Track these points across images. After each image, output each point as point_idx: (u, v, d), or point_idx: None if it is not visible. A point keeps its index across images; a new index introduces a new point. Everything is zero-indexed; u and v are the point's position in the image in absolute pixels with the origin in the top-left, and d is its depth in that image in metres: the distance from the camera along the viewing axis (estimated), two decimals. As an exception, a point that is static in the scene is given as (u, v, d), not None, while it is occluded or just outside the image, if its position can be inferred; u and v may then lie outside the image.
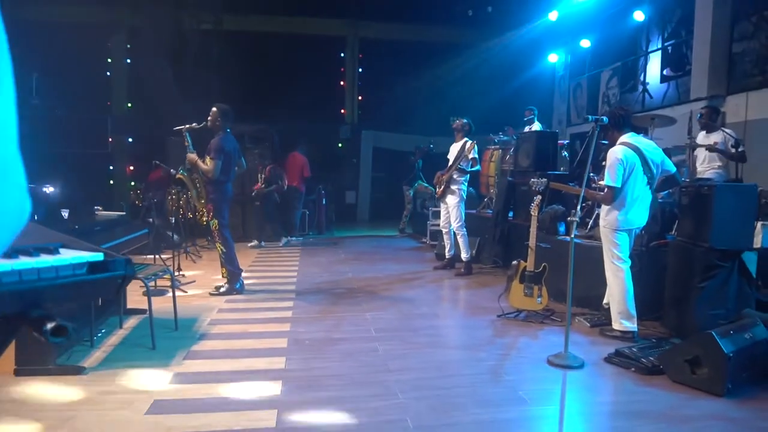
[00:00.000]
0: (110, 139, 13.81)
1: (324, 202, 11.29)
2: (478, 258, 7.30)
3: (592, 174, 5.78)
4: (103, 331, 4.00)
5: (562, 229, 5.53)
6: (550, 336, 4.10)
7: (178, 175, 5.38)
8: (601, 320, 4.35)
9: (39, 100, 11.48)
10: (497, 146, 8.56)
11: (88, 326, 3.71)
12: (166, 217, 9.69)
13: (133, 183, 13.45)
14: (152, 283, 5.06)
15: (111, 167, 13.73)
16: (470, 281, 6.27)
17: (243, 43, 12.93)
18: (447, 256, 6.95)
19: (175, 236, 6.60)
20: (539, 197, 4.69)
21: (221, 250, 5.26)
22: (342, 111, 14.74)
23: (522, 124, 8.60)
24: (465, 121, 6.71)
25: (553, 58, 11.99)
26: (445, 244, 6.97)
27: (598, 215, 4.76)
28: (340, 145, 14.62)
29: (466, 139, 6.64)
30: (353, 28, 14.44)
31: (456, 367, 3.48)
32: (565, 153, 7.96)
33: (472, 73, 12.92)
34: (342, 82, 14.73)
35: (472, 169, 6.63)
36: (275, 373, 3.29)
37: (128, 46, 13.72)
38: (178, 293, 5.40)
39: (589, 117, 3.64)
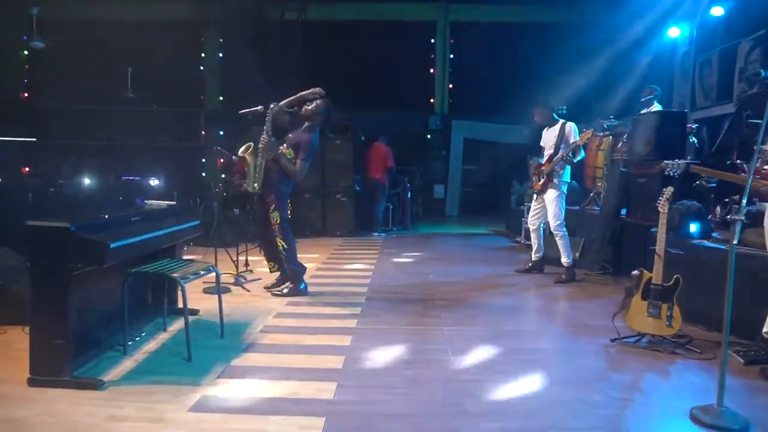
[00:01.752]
0: (203, 133, 14.10)
1: (409, 195, 10.56)
2: (582, 262, 6.23)
3: (738, 161, 4.58)
4: (143, 334, 3.56)
5: (696, 230, 4.36)
6: (687, 374, 3.06)
7: (241, 153, 4.79)
8: (760, 355, 3.23)
9: (134, 93, 11.85)
10: (607, 132, 7.36)
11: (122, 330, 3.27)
12: (245, 209, 9.49)
13: (223, 176, 13.62)
14: (200, 280, 4.63)
15: (203, 160, 14.00)
16: (573, 291, 5.25)
17: (327, 31, 12.54)
18: (533, 259, 5.98)
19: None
20: (670, 189, 3.62)
21: (282, 246, 4.70)
22: (431, 100, 13.92)
23: (638, 106, 7.33)
24: (539, 106, 5.80)
25: (673, 32, 10.34)
26: (533, 244, 6.00)
27: (755, 213, 3.61)
28: (428, 136, 13.82)
29: (562, 121, 5.65)
30: (444, 11, 13.56)
31: (558, 416, 2.58)
32: (693, 139, 6.61)
33: (576, 55, 11.56)
34: (432, 70, 13.90)
35: (577, 159, 5.60)
36: (319, 406, 2.60)
37: (221, 40, 13.88)
38: (241, 292, 4.97)
39: (762, 72, 2.58)
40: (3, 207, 6.99)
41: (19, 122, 12.90)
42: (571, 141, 5.48)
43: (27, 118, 13.06)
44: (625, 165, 6.30)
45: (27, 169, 11.38)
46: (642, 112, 6.90)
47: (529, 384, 2.92)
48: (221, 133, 14.05)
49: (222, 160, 14.35)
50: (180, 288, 3.17)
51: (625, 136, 6.67)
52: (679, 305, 3.45)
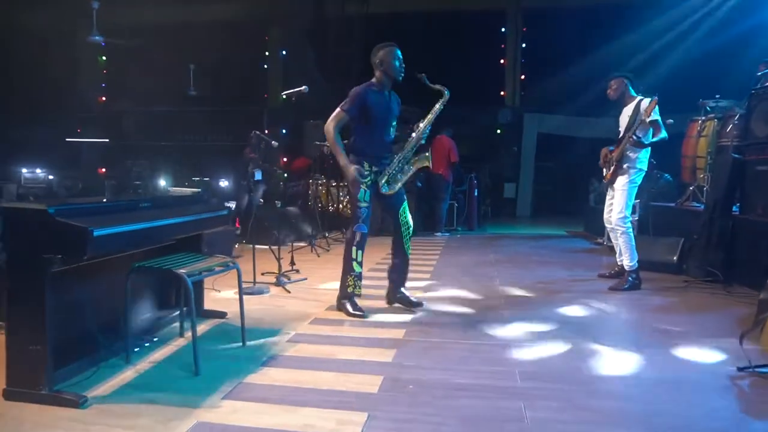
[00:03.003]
0: (266, 131, 14.01)
1: (476, 193, 9.75)
2: (682, 267, 5.25)
3: None
4: (155, 340, 3.07)
5: None
6: None
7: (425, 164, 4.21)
8: None
9: (197, 92, 11.87)
10: (711, 115, 6.27)
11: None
12: (306, 206, 9.12)
13: (285, 174, 13.45)
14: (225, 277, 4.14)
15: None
16: (672, 301, 4.30)
17: (391, 23, 11.99)
18: (619, 263, 5.03)
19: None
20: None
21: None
22: (501, 93, 13.02)
23: (750, 83, 6.18)
24: (615, 77, 4.82)
25: (789, 3, 8.95)
26: (614, 244, 5.06)
27: None
28: (498, 130, 12.92)
29: (640, 97, 4.67)
30: (515, -3, 12.67)
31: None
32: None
33: (666, 35, 10.36)
34: (502, 60, 13.00)
35: (655, 139, 4.57)
36: (340, 448, 1.96)
37: (284, 38, 13.73)
38: (281, 293, 4.45)
39: None
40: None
41: (96, 125, 13.36)
42: (649, 121, 4.44)
43: (104, 121, 13.54)
44: (737, 150, 5.24)
45: (104, 170, 11.63)
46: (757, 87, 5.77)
47: (632, 431, 2.13)
48: (284, 131, 13.88)
49: (285, 159, 14.16)
50: (189, 286, 2.63)
51: (737, 117, 5.58)
52: (840, 325, 2.53)
